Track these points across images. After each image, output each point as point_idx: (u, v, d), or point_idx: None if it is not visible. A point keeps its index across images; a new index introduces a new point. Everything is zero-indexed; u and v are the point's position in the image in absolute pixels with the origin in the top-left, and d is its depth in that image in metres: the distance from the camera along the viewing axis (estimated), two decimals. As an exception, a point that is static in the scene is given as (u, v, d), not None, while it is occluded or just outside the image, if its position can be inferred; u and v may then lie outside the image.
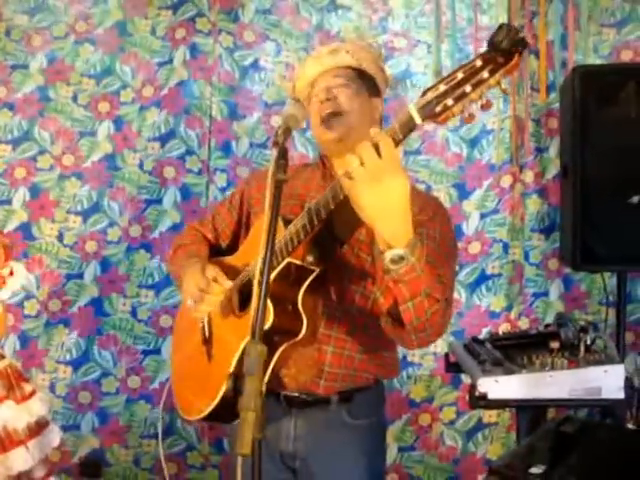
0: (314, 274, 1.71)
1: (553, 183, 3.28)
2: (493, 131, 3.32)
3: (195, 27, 3.53)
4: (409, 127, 1.35)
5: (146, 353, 3.53)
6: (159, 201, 3.54)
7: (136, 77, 3.54)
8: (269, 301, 1.60)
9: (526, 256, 3.32)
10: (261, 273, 1.32)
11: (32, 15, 3.55)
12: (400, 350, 2.00)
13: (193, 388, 1.94)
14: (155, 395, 3.51)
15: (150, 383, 3.53)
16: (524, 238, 3.32)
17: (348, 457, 1.90)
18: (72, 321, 3.53)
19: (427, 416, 3.41)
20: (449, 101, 1.30)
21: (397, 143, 1.35)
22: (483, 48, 1.29)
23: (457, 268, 3.02)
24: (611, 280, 3.07)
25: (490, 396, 2.06)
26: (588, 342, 2.20)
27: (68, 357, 3.53)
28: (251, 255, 1.75)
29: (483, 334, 2.76)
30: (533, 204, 3.31)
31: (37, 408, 2.65)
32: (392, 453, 3.34)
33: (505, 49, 1.24)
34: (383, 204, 1.34)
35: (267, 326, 1.61)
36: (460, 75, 1.30)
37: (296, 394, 1.87)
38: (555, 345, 2.21)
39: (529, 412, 2.44)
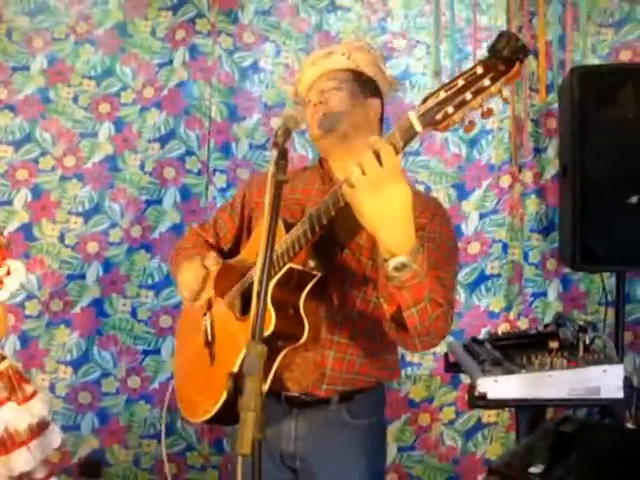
0: (315, 279, 1.72)
1: (552, 183, 3.28)
2: (492, 131, 3.32)
3: (195, 28, 3.53)
4: (410, 135, 1.35)
5: (146, 353, 3.53)
6: (159, 201, 3.54)
7: (136, 78, 3.55)
8: (271, 306, 1.62)
9: (525, 256, 3.31)
10: (261, 273, 1.32)
11: (33, 16, 3.55)
12: (399, 350, 2.00)
13: (197, 390, 1.95)
14: (155, 395, 3.52)
15: (150, 383, 3.53)
16: (523, 238, 3.31)
17: (348, 457, 1.90)
18: (74, 321, 3.53)
19: (427, 416, 3.40)
20: (449, 109, 1.30)
21: (398, 151, 1.35)
22: (482, 49, 1.30)
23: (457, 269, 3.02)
24: (610, 280, 3.06)
25: (489, 396, 2.06)
26: (587, 342, 2.21)
27: (69, 357, 3.53)
28: (253, 258, 1.74)
29: (482, 334, 2.79)
30: (532, 204, 3.31)
31: (38, 409, 2.64)
32: (392, 453, 3.34)
33: (506, 57, 1.25)
34: (385, 212, 1.35)
35: (269, 331, 1.63)
36: (461, 82, 1.29)
37: (297, 394, 1.88)
38: (554, 345, 2.22)
39: (528, 412, 2.44)
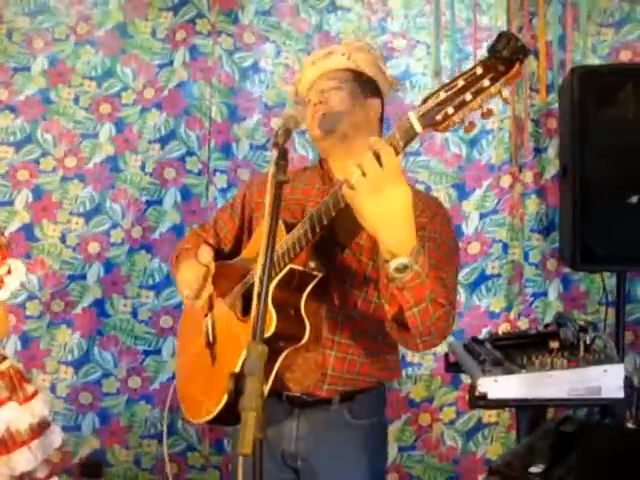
0: (316, 279, 1.72)
1: (552, 183, 3.28)
2: (492, 131, 3.32)
3: (195, 29, 3.53)
4: (410, 135, 1.35)
5: (147, 353, 3.53)
6: (159, 202, 3.54)
7: (137, 79, 3.55)
8: (272, 307, 1.62)
9: (525, 256, 3.31)
10: (262, 273, 1.32)
11: (33, 17, 3.55)
12: (400, 350, 2.01)
13: (198, 391, 1.95)
14: (156, 395, 3.52)
15: (151, 383, 3.53)
16: (523, 238, 3.31)
17: (349, 457, 1.90)
18: (75, 322, 3.53)
19: (427, 416, 3.40)
20: (449, 109, 1.30)
21: (398, 152, 1.36)
22: (483, 49, 1.30)
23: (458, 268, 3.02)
24: (610, 280, 3.06)
25: (490, 396, 2.06)
26: (587, 342, 2.20)
27: (70, 358, 3.53)
28: (254, 259, 1.74)
29: (483, 334, 2.78)
30: (532, 204, 3.30)
31: (39, 409, 2.64)
32: (392, 453, 3.33)
33: (506, 57, 1.25)
34: (385, 213, 1.36)
35: (270, 332, 1.63)
36: (461, 82, 1.30)
37: (298, 394, 1.88)
38: (555, 345, 2.22)
39: (529, 412, 2.44)
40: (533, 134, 3.29)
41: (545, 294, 3.31)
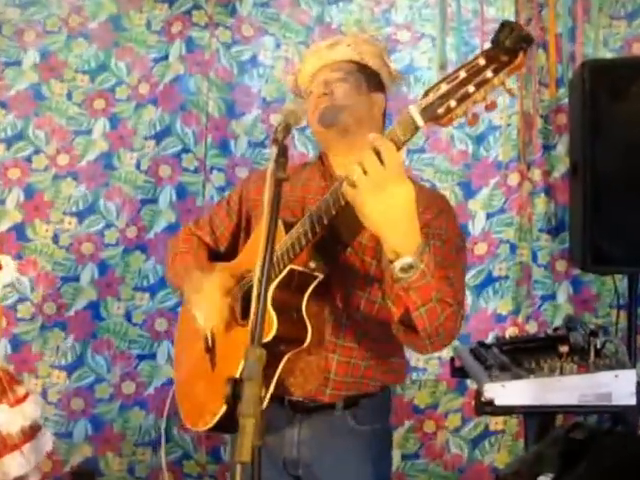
0: (317, 280, 1.71)
1: (562, 181, 3.28)
2: (500, 128, 3.33)
3: (191, 21, 3.52)
4: (411, 130, 1.35)
5: (141, 358, 3.51)
6: (154, 201, 3.52)
7: (131, 73, 3.53)
8: (273, 310, 1.63)
9: (534, 257, 3.33)
10: (261, 275, 1.33)
11: (24, 8, 3.52)
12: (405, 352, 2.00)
13: (198, 398, 1.93)
14: (150, 401, 3.50)
15: (145, 389, 3.50)
16: (532, 238, 3.32)
17: (353, 463, 1.89)
18: (68, 325, 3.50)
19: (432, 423, 3.40)
20: (452, 102, 1.30)
21: (399, 147, 1.36)
22: (490, 42, 1.27)
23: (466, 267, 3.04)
24: (622, 282, 3.04)
25: (497, 402, 2.03)
26: (598, 346, 2.17)
27: (63, 362, 3.50)
28: (253, 261, 1.74)
29: (490, 338, 2.87)
30: (541, 203, 3.32)
31: (31, 411, 2.64)
32: (395, 461, 3.31)
33: (509, 47, 1.24)
34: (388, 212, 1.36)
35: (271, 335, 1.63)
36: (463, 74, 1.29)
37: (300, 399, 1.86)
38: (564, 349, 2.17)
39: (537, 419, 2.44)
40: (542, 130, 3.31)
41: (554, 296, 3.32)
